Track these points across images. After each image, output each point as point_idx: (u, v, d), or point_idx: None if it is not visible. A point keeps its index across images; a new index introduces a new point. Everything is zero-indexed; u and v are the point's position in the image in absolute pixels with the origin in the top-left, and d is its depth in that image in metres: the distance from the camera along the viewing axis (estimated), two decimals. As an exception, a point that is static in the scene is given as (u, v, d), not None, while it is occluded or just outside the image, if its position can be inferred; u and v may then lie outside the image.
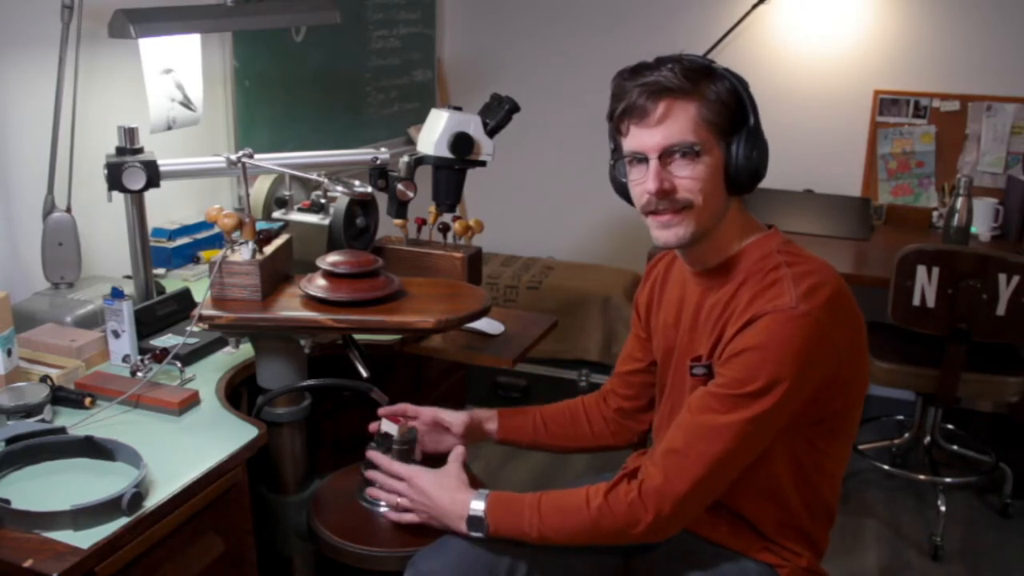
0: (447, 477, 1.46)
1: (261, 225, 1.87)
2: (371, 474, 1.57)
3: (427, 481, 1.46)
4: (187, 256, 2.28)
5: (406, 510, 1.49)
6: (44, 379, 1.59)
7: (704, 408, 1.27)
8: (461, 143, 1.84)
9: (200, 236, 2.33)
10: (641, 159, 1.30)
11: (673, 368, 1.45)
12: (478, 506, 1.37)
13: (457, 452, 1.53)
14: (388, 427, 1.69)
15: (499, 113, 1.87)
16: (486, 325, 1.98)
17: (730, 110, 1.28)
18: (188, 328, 1.62)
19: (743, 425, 1.24)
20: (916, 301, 2.53)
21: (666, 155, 1.28)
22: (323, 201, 2.07)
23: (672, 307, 1.47)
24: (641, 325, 1.59)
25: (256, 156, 1.78)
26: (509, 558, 1.42)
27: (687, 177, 1.28)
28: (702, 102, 1.27)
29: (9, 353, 1.58)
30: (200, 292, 1.76)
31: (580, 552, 1.42)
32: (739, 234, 1.35)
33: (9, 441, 1.38)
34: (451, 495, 1.41)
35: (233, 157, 1.75)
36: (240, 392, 1.85)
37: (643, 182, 1.30)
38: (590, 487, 1.32)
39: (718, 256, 1.36)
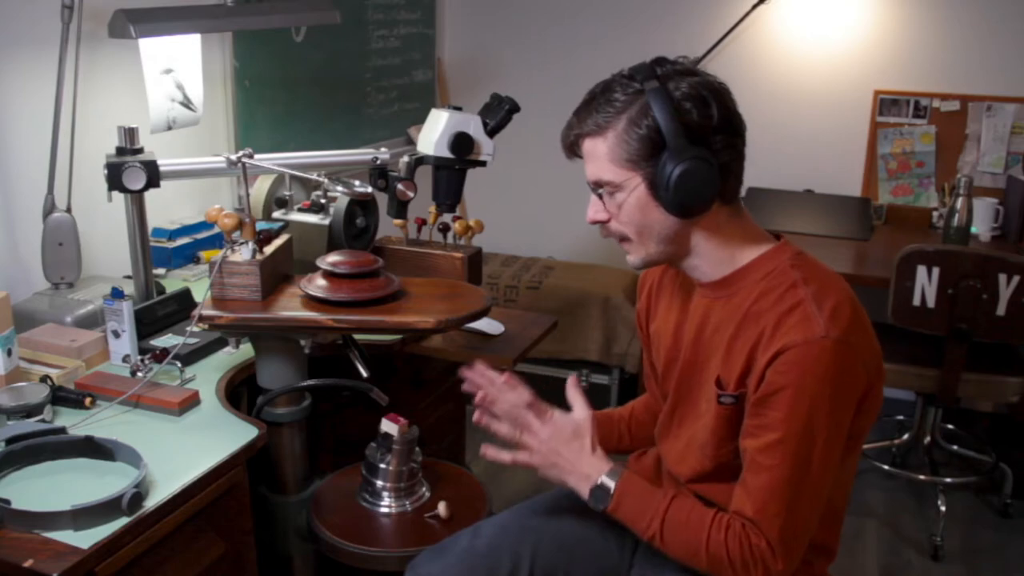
0: (589, 436, 1.37)
1: (261, 225, 1.87)
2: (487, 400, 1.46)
3: (570, 429, 1.37)
4: (187, 256, 2.28)
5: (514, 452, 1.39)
6: (44, 379, 1.60)
7: (765, 467, 1.24)
8: (461, 143, 1.84)
9: (200, 236, 2.33)
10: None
11: (677, 378, 1.42)
12: (610, 481, 1.32)
13: (588, 416, 1.42)
14: (388, 427, 1.69)
15: (499, 113, 1.87)
16: (486, 325, 1.98)
17: (646, 138, 1.22)
18: (188, 328, 1.62)
19: (808, 466, 1.22)
20: (916, 301, 2.53)
21: (597, 188, 1.31)
22: (323, 201, 2.07)
23: (672, 314, 1.44)
24: (644, 336, 1.56)
25: (256, 156, 1.78)
26: (510, 562, 1.41)
27: (615, 210, 1.29)
28: (614, 138, 1.25)
29: (9, 353, 1.59)
30: (200, 292, 1.76)
31: (581, 560, 1.41)
32: (741, 246, 1.31)
33: (9, 441, 1.39)
34: (590, 454, 1.35)
35: (233, 157, 1.75)
36: (240, 392, 1.85)
37: None
38: (719, 513, 1.28)
39: (720, 269, 1.32)
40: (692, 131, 1.21)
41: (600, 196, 1.31)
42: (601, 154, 1.26)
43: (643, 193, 1.26)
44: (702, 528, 1.27)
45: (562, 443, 1.36)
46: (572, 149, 1.32)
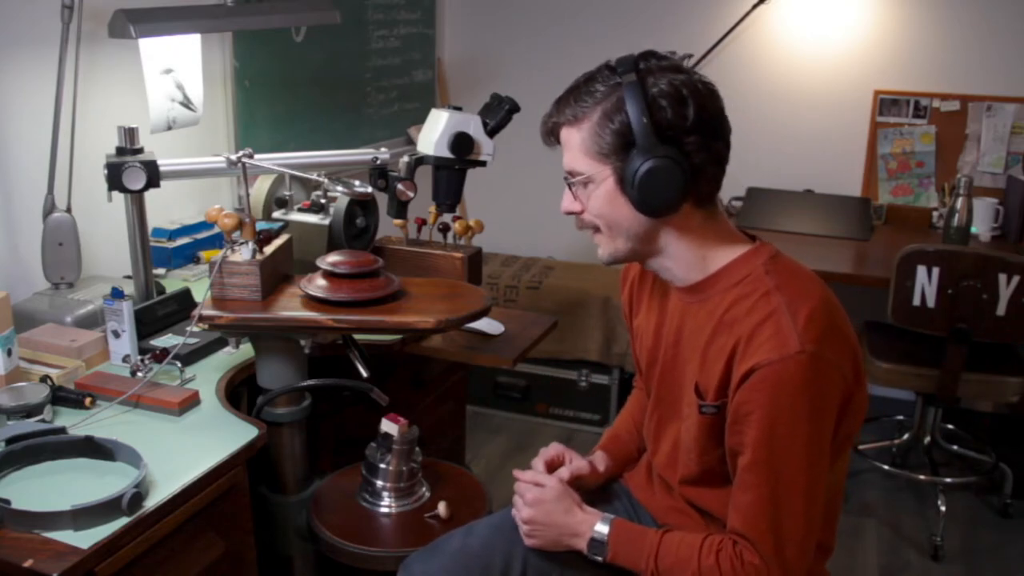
0: (570, 496, 1.41)
1: (261, 225, 1.87)
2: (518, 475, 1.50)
3: (551, 497, 1.40)
4: (187, 256, 2.28)
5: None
6: (44, 379, 1.60)
7: (751, 484, 1.24)
8: (461, 143, 1.84)
9: (200, 236, 2.33)
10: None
11: (659, 379, 1.42)
12: (602, 530, 1.35)
13: (568, 471, 1.49)
14: (388, 427, 1.69)
15: (499, 113, 1.87)
16: (486, 325, 1.98)
17: (618, 132, 1.22)
18: (188, 328, 1.62)
19: (794, 481, 1.22)
20: (916, 301, 2.53)
21: (570, 178, 1.30)
22: (323, 201, 2.07)
23: (653, 313, 1.43)
24: (630, 328, 1.56)
25: (256, 156, 1.78)
26: (502, 560, 1.42)
27: (586, 201, 1.29)
28: (588, 130, 1.25)
29: (9, 353, 1.58)
30: (200, 292, 1.76)
31: (575, 562, 1.41)
32: (714, 250, 1.30)
33: (9, 441, 1.39)
34: (577, 511, 1.38)
35: (233, 157, 1.75)
36: (240, 392, 1.85)
37: None
38: (706, 539, 1.29)
39: (692, 273, 1.31)
40: (663, 130, 1.20)
41: (571, 187, 1.30)
42: (575, 144, 1.27)
43: (611, 187, 1.25)
44: (691, 559, 1.28)
45: (550, 513, 1.39)
46: (550, 136, 1.32)
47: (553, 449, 1.55)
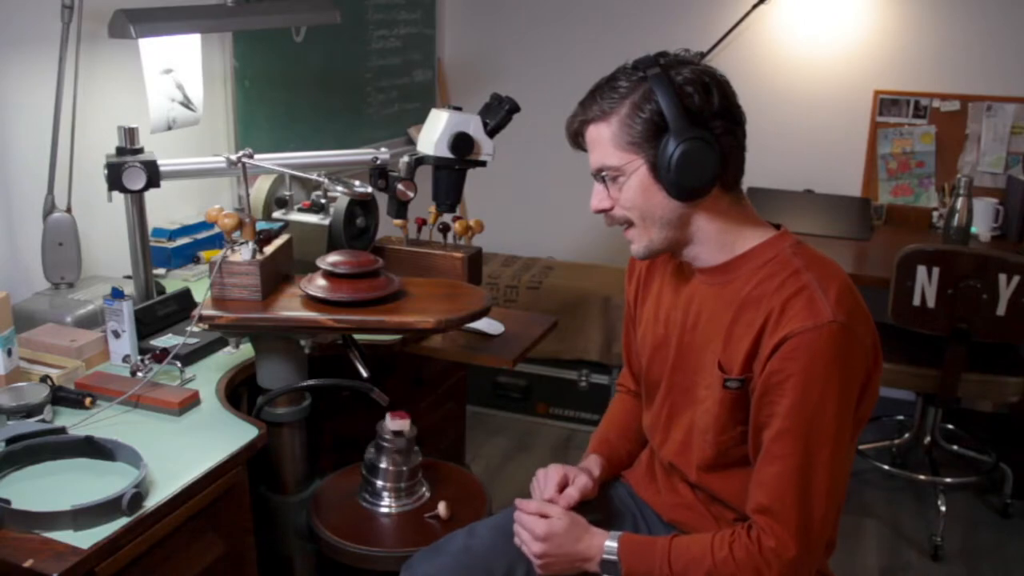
0: (578, 521, 1.40)
1: (261, 225, 1.87)
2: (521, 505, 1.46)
3: (563, 525, 1.39)
4: (187, 256, 2.28)
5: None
6: (44, 379, 1.60)
7: (778, 456, 1.24)
8: (461, 143, 1.84)
9: (200, 236, 2.33)
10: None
11: (671, 365, 1.42)
12: (612, 548, 1.34)
13: (577, 490, 1.47)
14: (389, 426, 1.69)
15: (499, 113, 1.87)
16: (486, 325, 1.98)
17: (649, 121, 1.25)
18: (188, 328, 1.62)
19: (820, 452, 1.22)
20: (916, 301, 2.53)
21: (600, 176, 1.32)
22: (323, 201, 2.07)
23: (663, 300, 1.44)
24: (634, 321, 1.56)
25: (256, 156, 1.78)
26: (506, 561, 1.41)
27: (619, 196, 1.31)
28: (617, 123, 1.27)
29: (9, 353, 1.59)
30: (200, 292, 1.76)
31: None
32: (741, 233, 1.33)
33: (9, 441, 1.39)
34: (586, 534, 1.37)
35: (233, 157, 1.75)
36: (240, 392, 1.85)
37: None
38: (716, 535, 1.30)
39: (720, 255, 1.33)
40: (693, 114, 1.24)
41: (604, 182, 1.32)
42: (605, 139, 1.29)
43: (645, 175, 1.27)
44: (705, 556, 1.28)
45: (562, 545, 1.37)
46: (576, 138, 1.34)
47: (556, 472, 1.50)
